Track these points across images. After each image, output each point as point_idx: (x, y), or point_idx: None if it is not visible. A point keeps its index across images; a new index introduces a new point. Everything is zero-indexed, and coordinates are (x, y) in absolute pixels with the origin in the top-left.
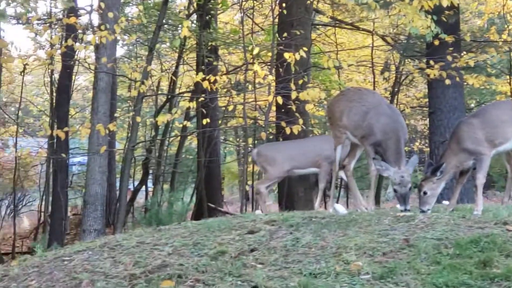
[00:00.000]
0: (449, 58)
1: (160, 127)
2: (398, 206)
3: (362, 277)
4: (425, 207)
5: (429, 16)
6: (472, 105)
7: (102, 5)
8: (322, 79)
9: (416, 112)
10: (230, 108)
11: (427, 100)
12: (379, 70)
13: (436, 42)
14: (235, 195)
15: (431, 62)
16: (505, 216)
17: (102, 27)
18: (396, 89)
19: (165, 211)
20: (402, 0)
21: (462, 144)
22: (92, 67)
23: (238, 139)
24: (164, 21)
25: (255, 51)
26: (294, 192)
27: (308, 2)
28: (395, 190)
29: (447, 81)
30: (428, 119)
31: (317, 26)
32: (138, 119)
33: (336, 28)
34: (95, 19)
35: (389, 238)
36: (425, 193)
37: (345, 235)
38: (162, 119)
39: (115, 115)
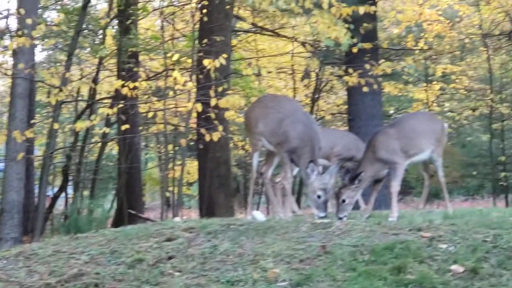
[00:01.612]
0: (367, 66)
1: (80, 133)
2: (315, 212)
3: (279, 284)
4: (342, 214)
5: (346, 25)
6: (391, 111)
7: (22, 11)
8: (243, 85)
9: (337, 119)
10: (150, 114)
11: (347, 107)
12: (299, 77)
13: (355, 50)
14: (157, 201)
15: (350, 70)
16: (419, 222)
17: (20, 33)
18: (316, 96)
19: (84, 218)
20: (320, 8)
21: (377, 154)
22: (10, 72)
23: (159, 146)
24: (83, 26)
25: (175, 57)
26: (214, 199)
27: (228, 7)
28: (318, 196)
29: (365, 89)
30: (348, 126)
31: (238, 33)
32: (56, 125)
33: (257, 35)
34: (13, 23)
35: (306, 245)
36: (343, 200)
37: (263, 242)
38: (81, 125)
39: (34, 121)
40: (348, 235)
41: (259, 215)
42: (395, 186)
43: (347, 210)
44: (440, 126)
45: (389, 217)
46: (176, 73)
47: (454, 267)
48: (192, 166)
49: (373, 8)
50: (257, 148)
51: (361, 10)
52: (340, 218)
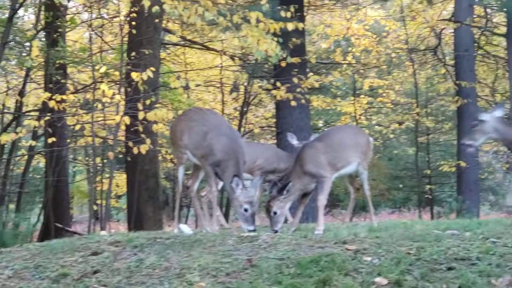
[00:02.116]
0: (295, 80)
1: (6, 146)
2: (244, 226)
3: None
4: (277, 226)
5: (275, 39)
6: (320, 124)
7: None
8: (171, 99)
9: (266, 132)
10: (78, 127)
11: (275, 120)
12: (228, 90)
13: (283, 64)
14: (85, 214)
15: (278, 84)
16: (345, 235)
17: None
18: (245, 109)
19: (10, 232)
20: (249, 23)
21: (305, 167)
22: None
23: (87, 158)
24: (10, 38)
25: (102, 69)
26: (143, 212)
27: (157, 20)
28: (245, 210)
29: (293, 103)
30: (276, 139)
31: (167, 46)
32: None
33: (186, 48)
34: None
35: (233, 258)
36: (275, 213)
37: (189, 255)
38: (7, 138)
39: None
40: (274, 248)
41: (186, 229)
42: (322, 199)
43: (280, 221)
44: (366, 140)
45: (315, 230)
46: (104, 86)
47: (378, 279)
48: (121, 179)
49: (301, 24)
50: (182, 162)
51: (290, 26)
52: (276, 231)
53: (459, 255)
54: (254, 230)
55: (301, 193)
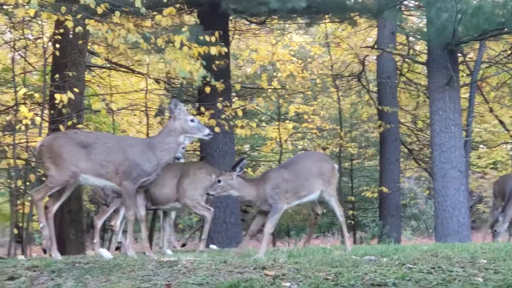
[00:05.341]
0: (219, 105)
1: None
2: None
3: None
4: (212, 191)
5: (199, 60)
6: (246, 149)
7: None
8: (97, 121)
9: (192, 156)
10: None
11: (199, 144)
12: (153, 113)
13: (207, 89)
14: (8, 238)
15: (202, 109)
16: (264, 261)
17: None
18: None
19: None
20: (173, 46)
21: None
22: None
23: (9, 181)
24: None
25: (22, 91)
26: (65, 235)
27: (81, 42)
28: None
29: (217, 129)
30: None
31: (92, 68)
32: None
33: (111, 71)
34: None
35: (152, 283)
36: (219, 181)
37: (108, 280)
38: None
39: None
40: (194, 273)
41: (105, 253)
42: (269, 227)
43: (217, 190)
44: (330, 167)
45: (256, 254)
46: (23, 108)
47: None
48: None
49: (224, 49)
50: None
51: (213, 50)
52: (208, 194)
53: (375, 280)
54: None
55: (252, 206)
